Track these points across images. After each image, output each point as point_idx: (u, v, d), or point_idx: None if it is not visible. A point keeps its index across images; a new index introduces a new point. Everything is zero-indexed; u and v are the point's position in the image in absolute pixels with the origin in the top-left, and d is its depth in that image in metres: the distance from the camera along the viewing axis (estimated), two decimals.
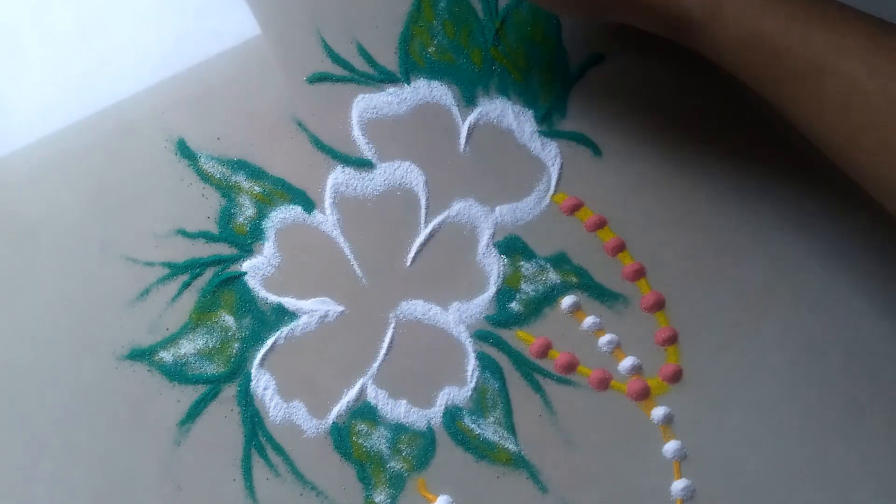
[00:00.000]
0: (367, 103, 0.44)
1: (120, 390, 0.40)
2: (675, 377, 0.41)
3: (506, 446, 0.40)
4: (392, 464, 0.40)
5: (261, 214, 0.42)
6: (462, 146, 0.44)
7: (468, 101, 0.45)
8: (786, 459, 0.40)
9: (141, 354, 0.40)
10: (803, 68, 0.32)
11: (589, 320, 0.42)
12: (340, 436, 0.40)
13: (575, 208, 0.43)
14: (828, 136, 0.33)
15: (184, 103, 0.44)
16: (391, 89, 0.45)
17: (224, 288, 0.41)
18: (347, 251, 0.42)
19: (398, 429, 0.40)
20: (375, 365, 0.41)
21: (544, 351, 0.41)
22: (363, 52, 0.45)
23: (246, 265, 0.42)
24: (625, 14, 0.37)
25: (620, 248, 0.43)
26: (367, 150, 0.44)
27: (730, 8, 0.34)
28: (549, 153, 0.44)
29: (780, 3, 0.33)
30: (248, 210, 0.42)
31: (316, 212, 0.43)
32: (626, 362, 0.41)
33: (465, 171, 0.44)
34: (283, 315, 0.41)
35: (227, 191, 0.42)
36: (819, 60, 0.32)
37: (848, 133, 0.32)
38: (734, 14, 0.33)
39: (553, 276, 0.42)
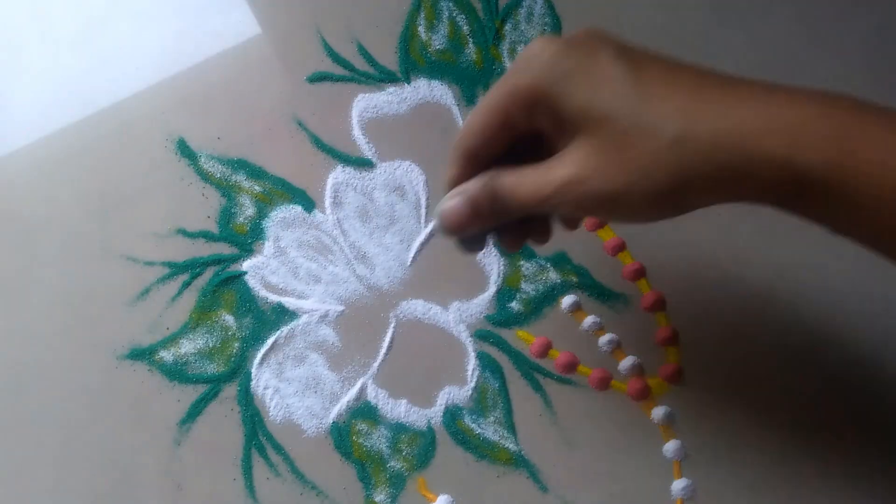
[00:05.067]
0: (367, 103, 0.44)
1: (120, 390, 0.40)
2: (675, 377, 0.41)
3: (506, 446, 0.40)
4: (392, 463, 0.39)
5: (261, 214, 0.42)
6: None
7: (469, 100, 0.45)
8: (785, 459, 0.40)
9: (141, 354, 0.40)
10: None
11: (589, 320, 0.42)
12: (340, 435, 0.40)
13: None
14: None
15: (184, 103, 0.43)
16: (391, 89, 0.45)
17: (224, 287, 0.41)
18: (347, 251, 0.42)
19: (398, 428, 0.40)
20: (375, 365, 0.41)
21: (544, 350, 0.41)
22: (363, 51, 0.45)
23: (246, 265, 0.42)
24: (718, 195, 0.26)
25: (620, 247, 0.42)
26: (367, 150, 0.44)
27: (869, 152, 0.22)
28: None
29: None
30: (248, 209, 0.42)
31: (316, 211, 0.43)
32: (626, 362, 0.41)
33: None
34: (283, 314, 0.41)
35: (228, 190, 0.42)
36: None
37: None
38: (879, 158, 0.22)
39: (553, 276, 0.42)
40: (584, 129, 0.26)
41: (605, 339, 0.41)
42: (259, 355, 0.40)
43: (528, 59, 0.27)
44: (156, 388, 0.40)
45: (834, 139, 0.22)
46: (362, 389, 0.40)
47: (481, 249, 0.32)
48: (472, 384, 0.41)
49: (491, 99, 0.28)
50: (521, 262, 0.42)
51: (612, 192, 0.25)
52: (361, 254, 0.42)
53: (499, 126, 0.28)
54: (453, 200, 0.29)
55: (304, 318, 0.41)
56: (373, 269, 0.42)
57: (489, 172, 0.29)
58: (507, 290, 0.42)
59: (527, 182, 0.27)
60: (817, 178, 0.22)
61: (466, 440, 0.40)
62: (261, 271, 0.42)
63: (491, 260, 0.42)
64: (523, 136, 0.29)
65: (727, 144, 0.23)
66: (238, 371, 0.40)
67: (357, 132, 0.44)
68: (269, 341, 0.41)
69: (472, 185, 0.29)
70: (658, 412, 0.40)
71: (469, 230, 0.29)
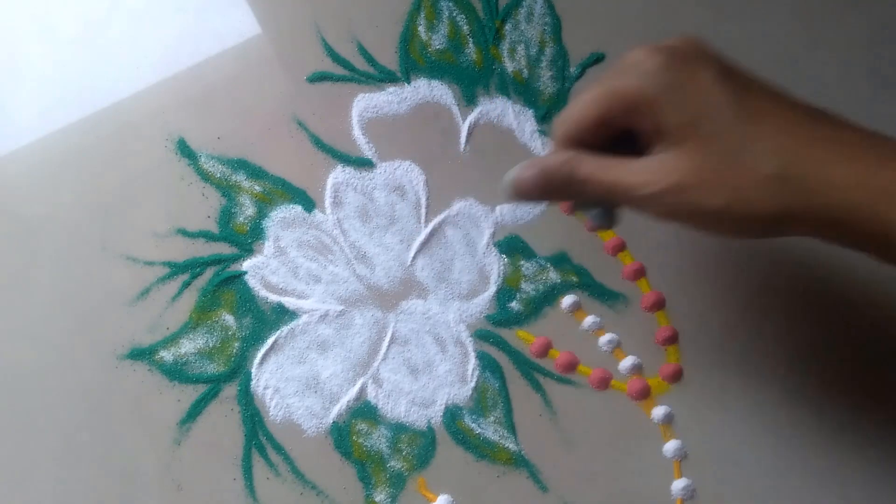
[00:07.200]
0: (367, 102, 0.44)
1: (120, 390, 0.40)
2: (675, 377, 0.41)
3: (506, 445, 0.40)
4: (392, 463, 0.39)
5: (261, 214, 0.42)
6: (462, 145, 0.44)
7: (468, 100, 0.45)
8: (785, 459, 0.40)
9: (141, 354, 0.40)
10: None
11: (589, 320, 0.42)
12: (341, 435, 0.40)
13: (575, 208, 0.43)
14: None
15: (184, 103, 0.43)
16: (391, 88, 0.45)
17: (224, 287, 0.41)
18: (347, 251, 0.42)
19: (398, 428, 0.40)
20: (375, 364, 0.41)
21: (544, 350, 0.41)
22: (363, 51, 0.45)
23: (246, 264, 0.42)
24: (809, 232, 0.28)
25: (621, 247, 0.42)
26: (367, 150, 0.44)
27: None
28: None
29: None
30: (248, 209, 0.42)
31: (316, 211, 0.43)
32: (627, 362, 0.41)
33: (465, 171, 0.44)
34: (283, 314, 0.41)
35: (228, 190, 0.42)
36: None
37: None
38: None
39: (553, 276, 0.42)
40: (684, 142, 0.27)
41: (605, 338, 0.41)
42: (259, 355, 0.40)
43: (631, 65, 0.28)
44: (156, 388, 0.40)
45: None
46: (362, 389, 0.40)
47: (610, 226, 0.34)
48: (472, 384, 0.41)
49: (592, 95, 0.29)
50: (522, 262, 0.42)
51: (710, 208, 0.26)
52: (361, 254, 0.42)
53: (596, 121, 0.29)
54: (529, 171, 0.30)
55: (304, 318, 0.41)
56: (373, 269, 0.42)
57: (570, 153, 0.30)
58: (507, 290, 0.42)
59: (612, 174, 0.28)
60: None
61: (466, 440, 0.40)
62: (261, 271, 0.42)
63: (491, 260, 0.42)
64: (614, 132, 0.30)
65: (822, 194, 0.25)
66: (238, 371, 0.40)
67: (357, 132, 0.44)
68: (270, 341, 0.41)
69: (551, 161, 0.30)
70: (658, 412, 0.40)
71: (533, 200, 0.31)
